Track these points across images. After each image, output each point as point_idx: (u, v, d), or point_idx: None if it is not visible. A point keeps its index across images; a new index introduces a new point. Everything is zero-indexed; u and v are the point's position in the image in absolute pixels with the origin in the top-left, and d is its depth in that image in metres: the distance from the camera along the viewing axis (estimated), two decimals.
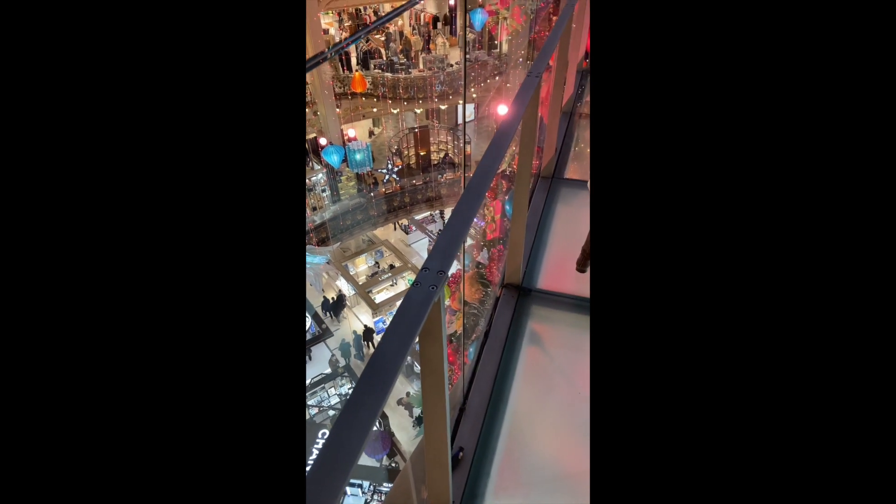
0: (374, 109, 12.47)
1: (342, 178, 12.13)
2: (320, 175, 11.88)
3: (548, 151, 3.57)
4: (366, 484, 8.97)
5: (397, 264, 13.68)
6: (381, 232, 14.27)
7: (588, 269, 2.68)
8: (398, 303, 1.11)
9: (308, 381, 10.89)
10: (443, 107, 12.91)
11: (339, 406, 10.55)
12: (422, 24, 13.54)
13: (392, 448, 9.44)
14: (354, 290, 12.99)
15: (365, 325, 11.97)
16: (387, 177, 12.49)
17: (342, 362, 11.54)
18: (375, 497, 8.83)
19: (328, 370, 11.39)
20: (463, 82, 11.96)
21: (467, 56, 12.65)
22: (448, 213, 12.49)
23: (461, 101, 12.72)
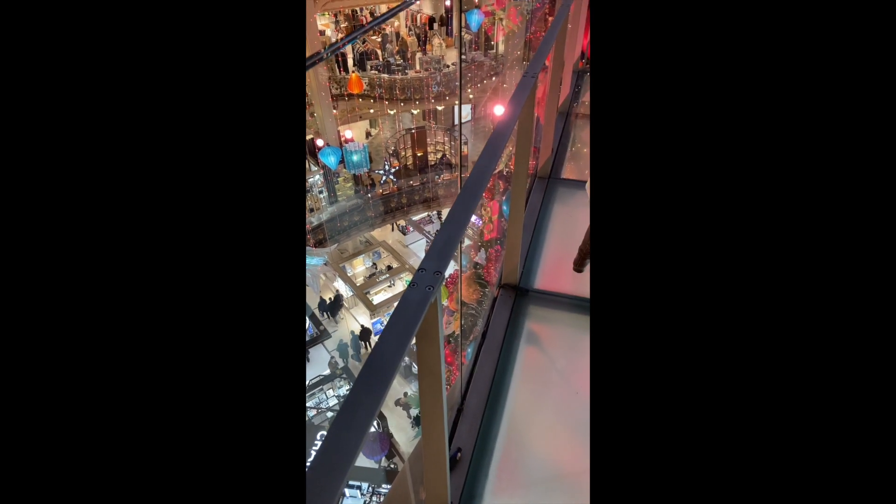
0: (371, 111, 12.46)
1: (339, 179, 12.12)
2: (317, 176, 11.86)
3: (544, 152, 3.58)
4: (364, 485, 8.96)
5: (395, 265, 13.67)
6: (378, 233, 14.26)
7: (585, 269, 2.69)
8: (396, 304, 1.11)
9: (306, 383, 10.87)
10: (439, 108, 12.92)
11: (337, 408, 10.54)
12: (418, 25, 13.55)
13: (391, 449, 9.43)
14: (352, 292, 12.98)
15: (362, 326, 11.96)
16: (384, 178, 12.48)
17: (341, 363, 11.53)
18: (374, 498, 8.81)
19: (327, 371, 11.38)
20: (461, 83, 11.96)
21: (464, 57, 12.66)
22: (445, 213, 12.48)
23: (456, 102, 12.73)
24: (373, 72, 12.13)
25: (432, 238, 13.59)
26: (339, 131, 12.06)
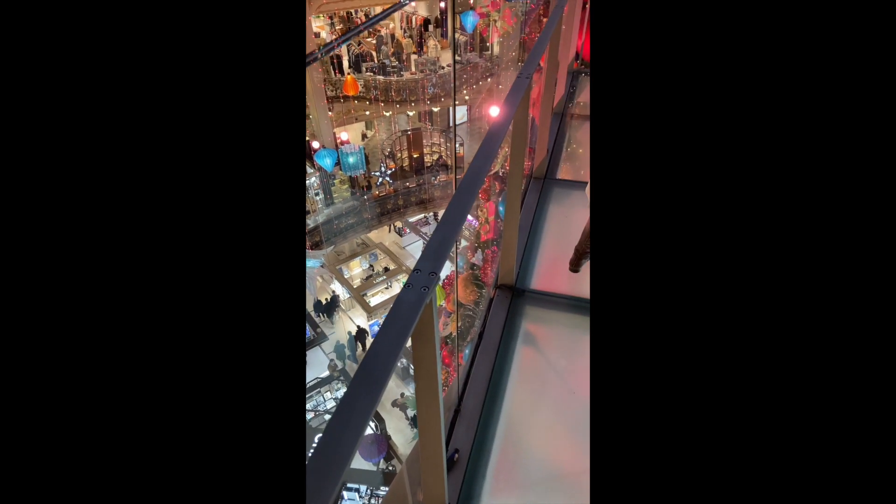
0: (367, 112, 12.46)
1: (335, 181, 12.11)
2: (313, 178, 11.85)
3: (539, 152, 3.59)
4: (363, 488, 8.93)
5: (392, 267, 13.66)
6: (375, 234, 14.25)
7: (580, 269, 2.69)
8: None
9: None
10: (435, 109, 12.93)
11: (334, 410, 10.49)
12: (413, 26, 13.56)
13: (389, 451, 9.41)
14: (349, 294, 12.96)
15: (358, 327, 11.94)
16: (380, 180, 12.48)
17: (339, 365, 11.51)
18: (373, 501, 8.79)
19: (324, 374, 11.35)
20: (454, 84, 11.98)
21: (459, 58, 12.68)
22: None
23: (452, 103, 12.74)
24: (368, 74, 12.13)
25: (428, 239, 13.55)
26: (334, 133, 12.05)
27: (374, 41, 12.85)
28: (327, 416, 10.46)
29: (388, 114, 12.70)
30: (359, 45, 12.61)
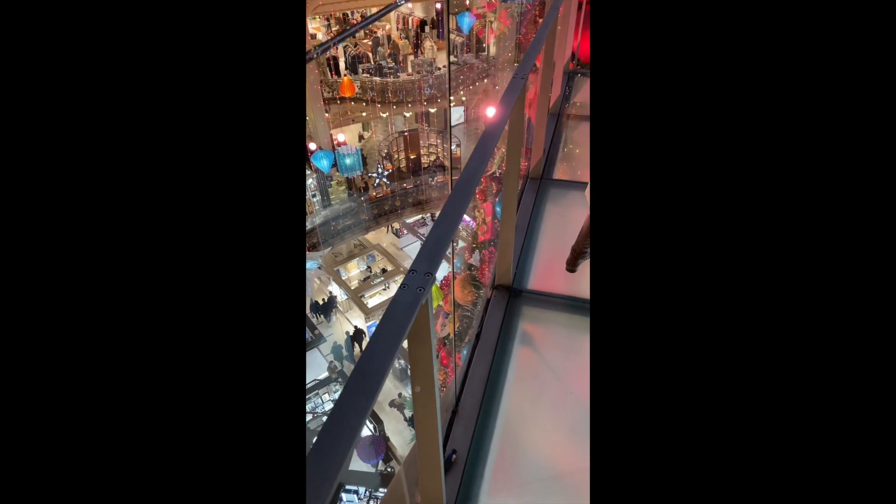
0: (364, 114, 12.46)
1: (332, 182, 12.10)
2: (310, 180, 11.84)
3: (536, 153, 3.59)
4: (362, 490, 8.92)
5: (389, 268, 13.65)
6: (372, 236, 14.25)
7: (578, 269, 2.70)
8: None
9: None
10: (432, 110, 12.94)
11: None
12: (409, 28, 13.57)
13: (387, 453, 9.40)
14: (347, 295, 12.94)
15: (355, 327, 11.93)
16: (377, 181, 12.47)
17: (339, 366, 11.49)
18: (371, 502, 8.77)
19: (322, 376, 11.33)
20: (449, 85, 11.99)
21: (456, 59, 12.69)
22: None
23: (448, 104, 12.75)
24: (364, 75, 12.13)
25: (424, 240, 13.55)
26: (331, 135, 12.04)
27: (371, 42, 12.85)
28: (325, 419, 10.41)
29: (384, 115, 12.71)
30: (355, 46, 12.61)
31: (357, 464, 8.61)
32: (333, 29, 13.03)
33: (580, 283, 2.73)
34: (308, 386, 11.04)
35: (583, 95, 4.91)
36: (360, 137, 14.64)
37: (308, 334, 12.18)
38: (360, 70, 12.25)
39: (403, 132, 13.49)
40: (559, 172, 3.78)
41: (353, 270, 14.07)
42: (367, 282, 13.47)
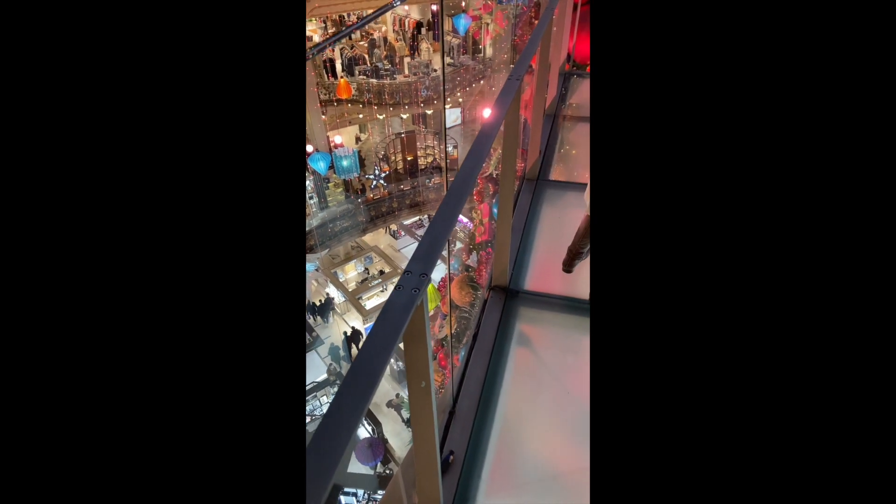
0: (360, 116, 12.46)
1: (329, 184, 12.09)
2: (307, 182, 11.83)
3: (532, 154, 3.60)
4: (360, 492, 8.89)
5: (387, 270, 13.64)
6: (370, 238, 14.23)
7: (574, 269, 2.70)
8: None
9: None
10: (428, 112, 12.95)
11: None
12: (406, 29, 13.59)
13: (386, 455, 9.38)
14: (345, 297, 12.92)
15: (352, 327, 11.92)
16: (374, 182, 12.47)
17: (337, 368, 11.48)
18: None
19: (321, 377, 11.31)
20: (444, 87, 12.00)
21: (453, 61, 12.71)
22: None
23: (447, 106, 12.76)
24: (361, 77, 12.14)
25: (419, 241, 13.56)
26: (328, 137, 12.03)
27: (367, 45, 12.86)
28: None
29: (381, 117, 12.71)
30: (351, 48, 12.62)
31: (355, 466, 8.59)
32: (330, 31, 13.03)
33: (576, 284, 2.73)
34: (307, 388, 11.01)
35: (579, 96, 4.92)
36: (357, 139, 14.64)
37: (306, 336, 12.16)
38: (357, 72, 12.25)
39: (400, 134, 13.49)
40: (555, 173, 3.78)
41: (351, 272, 14.04)
42: (364, 283, 13.45)
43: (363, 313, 12.24)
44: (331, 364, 11.55)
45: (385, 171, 12.73)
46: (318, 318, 12.67)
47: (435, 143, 13.56)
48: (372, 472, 9.26)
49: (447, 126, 13.81)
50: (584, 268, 2.72)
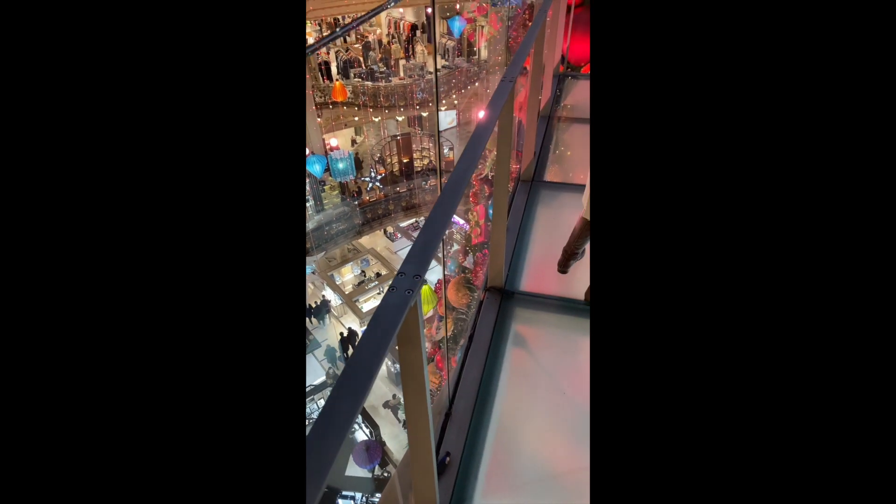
0: (356, 118, 12.47)
1: (325, 187, 12.08)
2: None
3: (527, 155, 3.61)
4: (358, 495, 8.86)
5: (384, 272, 13.63)
6: (367, 240, 14.22)
7: (569, 270, 2.71)
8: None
9: None
10: (424, 114, 12.96)
11: None
12: (401, 32, 13.62)
13: (383, 457, 9.35)
14: (341, 300, 12.90)
15: (349, 328, 11.90)
16: (370, 185, 12.48)
17: (336, 371, 11.46)
18: None
19: (319, 380, 11.28)
20: (437, 89, 12.02)
21: (448, 63, 12.73)
22: None
23: (442, 108, 12.79)
24: (356, 79, 12.15)
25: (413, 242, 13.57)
26: (323, 139, 12.03)
27: (362, 47, 12.88)
28: None
29: (377, 119, 12.72)
30: (346, 51, 12.63)
31: (353, 469, 8.56)
32: (324, 34, 13.04)
33: (572, 285, 2.74)
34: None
35: (573, 98, 4.94)
36: (353, 142, 14.65)
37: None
38: (352, 75, 12.26)
39: (396, 136, 13.50)
40: (550, 174, 3.79)
41: (348, 275, 14.03)
42: (361, 286, 13.44)
43: (360, 316, 12.22)
44: (329, 368, 11.53)
45: (381, 174, 12.74)
46: (314, 319, 12.66)
47: (431, 145, 13.57)
48: (370, 475, 9.23)
49: (444, 128, 13.83)
50: (579, 268, 2.73)
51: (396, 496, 2.38)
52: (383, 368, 11.48)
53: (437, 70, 11.94)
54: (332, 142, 12.36)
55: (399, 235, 15.02)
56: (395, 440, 10.24)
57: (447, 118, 13.89)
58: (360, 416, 10.08)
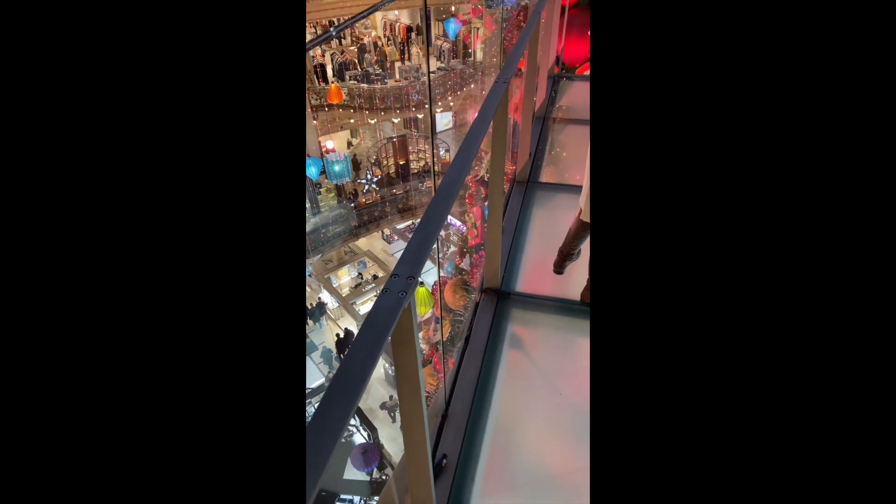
0: (352, 120, 12.47)
1: (322, 190, 12.07)
2: None
3: (522, 156, 3.62)
4: (356, 499, 8.83)
5: (380, 274, 13.62)
6: (364, 242, 14.21)
7: (565, 271, 2.71)
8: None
9: None
10: (420, 116, 12.98)
11: None
12: (396, 34, 13.64)
13: (381, 460, 9.33)
14: (338, 303, 12.88)
15: (345, 329, 11.89)
16: (366, 187, 12.47)
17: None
18: None
19: (316, 384, 11.25)
20: (430, 91, 12.05)
21: (444, 65, 12.75)
22: None
23: (438, 110, 12.81)
24: (352, 82, 12.15)
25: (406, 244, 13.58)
26: (319, 142, 12.02)
27: (357, 49, 12.89)
28: None
29: (372, 121, 12.72)
30: (342, 53, 12.63)
31: (351, 472, 8.53)
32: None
33: (568, 285, 2.74)
34: None
35: (568, 99, 4.96)
36: (349, 144, 14.65)
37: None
38: (348, 77, 12.26)
39: (392, 138, 13.51)
40: (546, 175, 3.80)
41: (345, 277, 14.01)
42: (358, 289, 13.42)
43: (357, 319, 12.21)
44: (329, 372, 11.51)
45: (377, 176, 12.74)
46: (310, 321, 12.64)
47: (427, 146, 13.58)
48: (368, 479, 9.21)
49: (440, 130, 13.85)
50: (575, 269, 2.73)
51: (393, 499, 2.37)
52: (380, 371, 11.48)
53: (429, 72, 11.96)
54: (328, 144, 12.35)
55: (395, 237, 15.01)
56: (394, 443, 10.21)
57: (443, 120, 13.91)
58: (357, 419, 10.06)
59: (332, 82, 11.91)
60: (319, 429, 0.81)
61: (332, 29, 1.77)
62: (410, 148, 13.47)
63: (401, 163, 13.31)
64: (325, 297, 13.25)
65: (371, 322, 1.03)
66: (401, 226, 13.91)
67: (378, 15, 13.31)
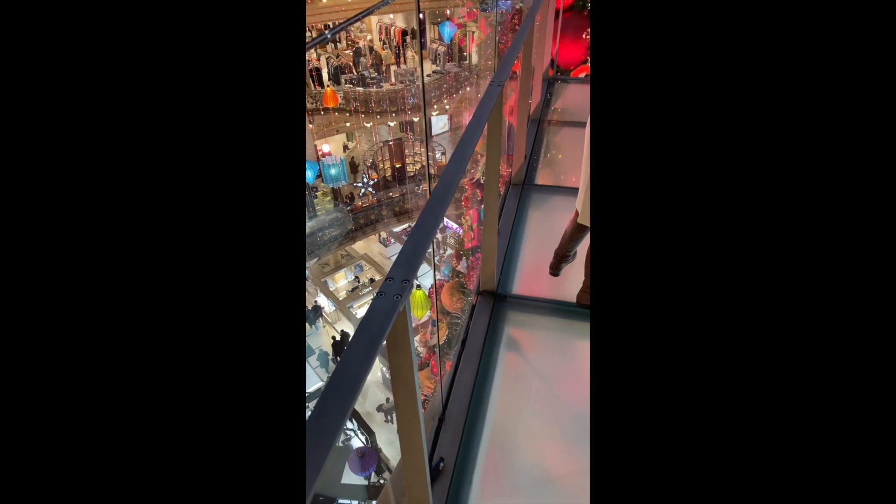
0: (348, 124, 12.48)
1: (318, 193, 12.06)
2: None
3: (517, 158, 3.63)
4: (354, 503, 8.80)
5: (377, 278, 13.60)
6: (361, 245, 14.20)
7: (561, 273, 2.72)
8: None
9: None
10: (415, 119, 13.00)
11: None
12: (391, 38, 13.67)
13: (379, 465, 9.30)
14: (335, 307, 12.86)
15: (342, 331, 11.86)
16: (363, 190, 12.47)
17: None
18: None
19: (315, 387, 11.21)
20: (423, 94, 12.08)
21: (439, 68, 12.79)
22: None
23: (434, 113, 12.84)
24: (347, 85, 12.17)
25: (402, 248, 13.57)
26: (315, 145, 12.03)
27: (352, 53, 12.91)
28: None
29: (368, 125, 12.73)
30: (337, 57, 12.65)
31: (349, 477, 8.50)
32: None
33: (564, 287, 2.74)
34: None
35: (563, 101, 4.98)
36: (345, 147, 14.65)
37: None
38: (343, 81, 12.27)
39: (388, 141, 13.52)
40: (541, 178, 3.81)
41: (342, 281, 13.98)
42: (355, 292, 13.40)
43: (354, 322, 12.19)
44: (327, 375, 11.47)
45: (373, 179, 12.74)
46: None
47: (423, 150, 13.60)
48: (366, 483, 9.17)
49: (436, 133, 13.87)
50: (570, 271, 2.74)
51: (390, 503, 2.36)
52: (378, 374, 11.46)
53: (423, 75, 11.99)
54: (325, 147, 12.35)
55: (392, 241, 15.00)
56: (392, 447, 10.18)
57: (439, 123, 13.93)
58: (355, 423, 10.03)
59: (328, 86, 11.92)
60: (315, 431, 0.81)
61: (326, 32, 1.78)
62: (406, 151, 13.49)
63: (397, 166, 13.32)
64: (322, 300, 13.22)
65: (366, 326, 1.03)
66: (397, 229, 13.91)
67: (373, 19, 13.33)
